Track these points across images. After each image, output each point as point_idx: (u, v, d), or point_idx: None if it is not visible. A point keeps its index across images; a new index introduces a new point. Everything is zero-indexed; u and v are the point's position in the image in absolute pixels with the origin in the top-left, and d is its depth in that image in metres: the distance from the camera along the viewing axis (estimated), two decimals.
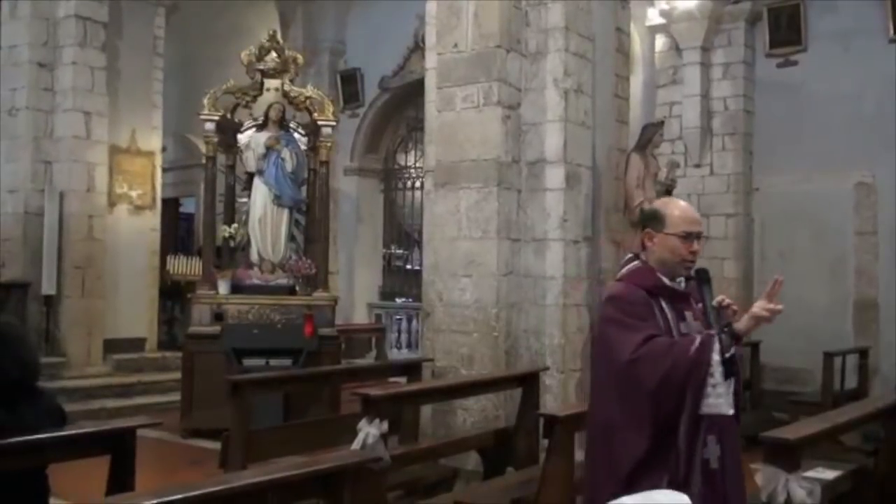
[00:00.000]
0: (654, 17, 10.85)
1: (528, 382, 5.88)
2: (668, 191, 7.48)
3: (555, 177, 6.67)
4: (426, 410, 6.55)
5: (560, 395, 6.50)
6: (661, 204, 3.23)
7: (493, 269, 6.49)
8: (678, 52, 10.65)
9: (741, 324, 2.99)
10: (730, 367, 2.84)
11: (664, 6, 10.62)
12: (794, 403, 8.17)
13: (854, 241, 9.89)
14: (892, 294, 9.36)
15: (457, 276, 6.61)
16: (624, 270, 3.14)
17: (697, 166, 10.46)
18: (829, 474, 4.87)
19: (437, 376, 6.48)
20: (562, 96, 6.71)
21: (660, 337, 2.88)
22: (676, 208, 3.12)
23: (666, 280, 3.04)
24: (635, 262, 3.13)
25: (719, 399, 2.84)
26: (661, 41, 10.88)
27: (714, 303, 2.98)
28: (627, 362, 2.84)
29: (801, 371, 9.43)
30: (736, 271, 10.26)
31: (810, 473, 4.83)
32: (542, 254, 6.65)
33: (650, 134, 7.43)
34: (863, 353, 9.18)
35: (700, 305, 3.01)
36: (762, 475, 3.83)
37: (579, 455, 6.18)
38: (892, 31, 9.78)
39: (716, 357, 2.84)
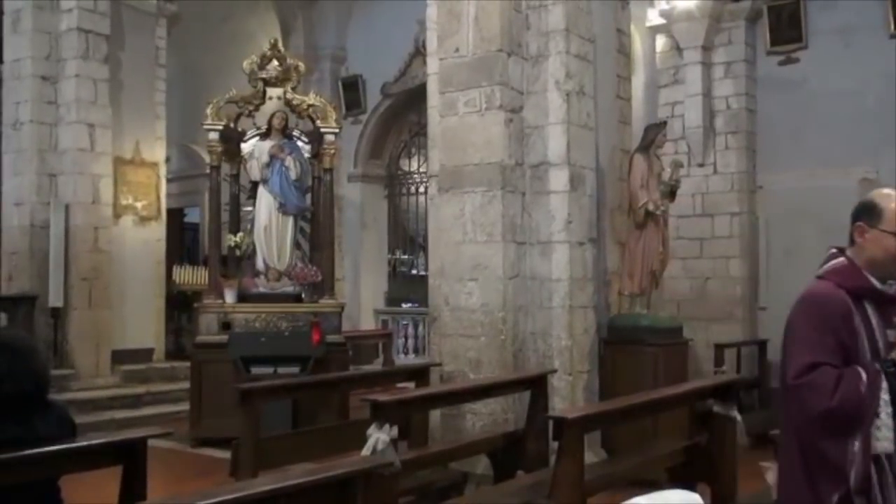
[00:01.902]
0: (654, 17, 10.84)
1: (537, 385, 5.88)
2: (672, 191, 7.46)
3: (559, 179, 6.69)
4: (435, 415, 6.57)
5: (569, 396, 6.51)
6: (879, 196, 2.86)
7: (499, 273, 6.50)
8: (679, 52, 10.65)
9: None
10: None
11: (664, 6, 10.62)
12: None
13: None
14: None
15: (463, 280, 6.62)
16: (826, 267, 2.86)
17: (701, 165, 10.45)
18: None
19: (445, 381, 6.49)
20: (564, 98, 6.73)
21: (827, 365, 2.62)
22: (894, 202, 2.80)
23: (875, 282, 2.76)
24: (840, 259, 2.84)
25: (882, 441, 2.64)
26: (661, 41, 10.88)
27: None
28: (789, 387, 2.68)
29: None
30: (742, 270, 10.24)
31: None
32: (548, 256, 6.67)
33: (653, 134, 7.42)
34: None
35: None
36: (773, 473, 3.82)
37: (589, 457, 6.21)
38: (892, 27, 9.77)
39: (885, 396, 2.62)
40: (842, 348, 2.66)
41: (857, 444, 2.60)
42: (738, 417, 5.54)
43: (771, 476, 3.87)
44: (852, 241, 2.85)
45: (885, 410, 2.61)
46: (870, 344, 2.68)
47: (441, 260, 6.84)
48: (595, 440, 6.64)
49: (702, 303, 10.24)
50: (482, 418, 6.38)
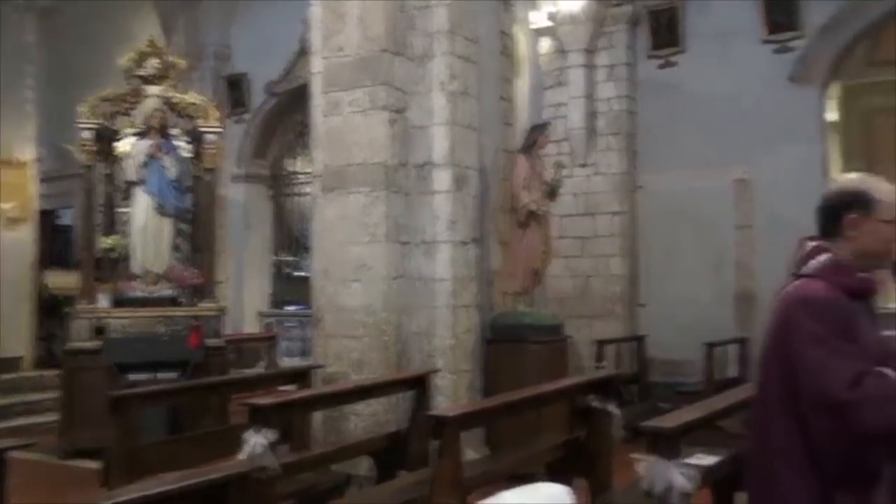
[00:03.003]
0: (539, 20, 11.01)
1: (419, 384, 5.88)
2: (553, 191, 7.59)
3: (443, 179, 6.72)
4: (317, 417, 6.50)
5: (452, 395, 6.54)
6: (865, 184, 2.63)
7: (383, 273, 6.49)
8: (563, 55, 10.84)
9: None
10: None
11: (550, 9, 10.79)
12: (678, 393, 8.43)
13: (734, 235, 10.24)
14: (769, 286, 9.70)
15: (346, 281, 6.58)
16: (815, 265, 2.60)
17: (583, 166, 10.66)
18: (710, 460, 5.03)
19: (327, 382, 6.42)
20: (448, 99, 6.77)
21: (870, 373, 2.41)
22: (886, 189, 2.60)
23: (866, 277, 2.60)
24: (825, 255, 2.60)
25: None
26: (546, 44, 11.05)
27: None
28: (841, 403, 2.37)
29: (686, 362, 9.71)
30: (622, 268, 10.49)
31: (691, 460, 4.98)
32: (432, 256, 6.69)
33: (535, 135, 7.53)
34: (742, 343, 9.54)
35: None
36: (643, 464, 3.92)
37: (471, 454, 6.25)
38: (764, 32, 10.18)
39: None
40: (863, 354, 2.46)
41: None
42: (616, 411, 5.67)
43: (642, 467, 3.98)
44: (827, 235, 2.64)
45: None
46: (870, 342, 2.53)
47: (325, 261, 6.77)
48: (478, 438, 6.69)
49: (584, 300, 10.46)
50: (365, 419, 6.35)
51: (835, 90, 11.33)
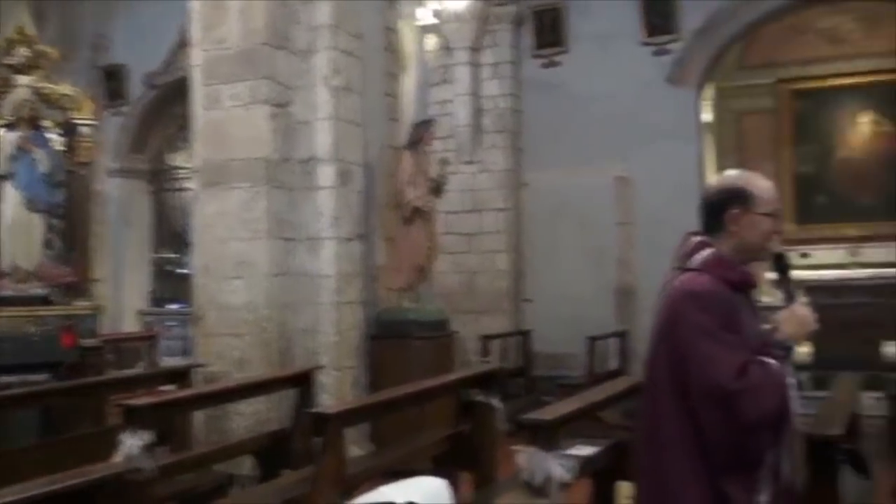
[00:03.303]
0: (424, 16, 11.04)
1: (303, 382, 5.82)
2: (438, 187, 7.64)
3: (326, 175, 6.68)
4: (199, 417, 6.36)
5: (337, 392, 6.52)
6: (743, 180, 2.72)
7: (265, 270, 6.41)
8: (449, 52, 10.91)
9: (788, 329, 2.62)
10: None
11: (435, 6, 10.84)
12: (561, 387, 8.59)
13: (615, 231, 10.52)
14: (648, 281, 10.00)
15: (228, 278, 6.47)
16: (699, 259, 2.66)
17: (469, 163, 10.76)
18: (589, 450, 5.16)
19: (208, 381, 6.30)
20: (332, 94, 6.73)
21: (753, 362, 2.50)
22: (762, 184, 2.69)
23: (747, 270, 2.67)
24: (709, 250, 2.67)
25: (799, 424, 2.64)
26: (432, 41, 11.10)
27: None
28: (728, 392, 2.45)
29: (569, 356, 9.92)
30: (507, 264, 10.65)
31: (572, 451, 5.10)
32: (316, 252, 6.64)
33: (421, 132, 7.56)
34: (622, 337, 9.81)
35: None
36: (523, 455, 3.99)
37: (356, 451, 6.23)
38: (643, 34, 10.49)
39: (791, 380, 2.56)
40: (745, 342, 2.56)
41: (785, 434, 2.56)
42: (499, 405, 5.75)
43: (522, 458, 4.05)
44: (710, 230, 2.70)
45: (793, 395, 2.58)
46: (752, 335, 2.62)
47: (205, 258, 6.64)
48: (363, 434, 6.68)
49: (470, 296, 10.56)
50: (247, 418, 6.26)
51: (709, 92, 11.78)
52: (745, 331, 2.58)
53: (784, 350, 2.57)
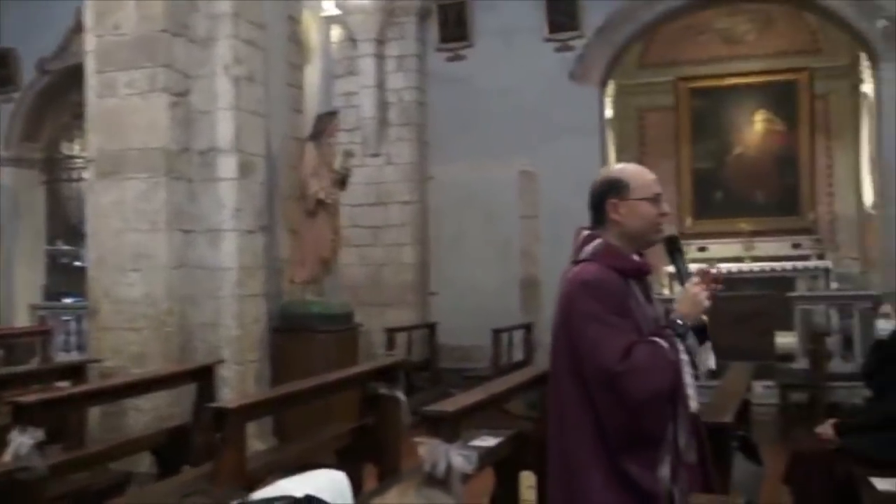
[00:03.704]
0: (329, 7, 10.95)
1: (203, 376, 5.71)
2: (343, 180, 7.58)
3: (227, 166, 6.56)
4: (95, 414, 6.18)
5: (239, 386, 6.41)
6: (616, 171, 2.84)
7: (164, 262, 6.26)
8: (354, 44, 10.84)
9: (682, 309, 2.72)
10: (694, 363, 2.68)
11: None
12: (467, 379, 8.65)
13: (519, 224, 10.64)
14: (552, 273, 10.14)
15: (125, 271, 6.30)
16: (589, 249, 2.75)
17: (375, 156, 10.73)
18: (492, 441, 5.21)
19: (104, 377, 6.12)
20: (233, 84, 6.60)
21: (640, 343, 2.59)
22: (636, 171, 2.81)
23: (634, 258, 2.77)
24: (598, 240, 2.76)
25: (693, 401, 2.72)
26: (336, 32, 11.02)
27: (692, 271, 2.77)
28: (613, 374, 2.54)
29: (475, 348, 10.00)
30: (413, 257, 10.66)
31: (476, 442, 5.14)
32: (217, 245, 6.51)
33: (324, 123, 7.49)
34: (528, 329, 9.94)
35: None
36: (425, 447, 4.00)
37: (259, 445, 6.15)
38: (547, 31, 10.62)
39: (684, 357, 2.66)
40: (635, 327, 2.65)
41: (679, 410, 2.64)
42: (402, 397, 5.76)
43: (424, 450, 4.07)
44: (597, 223, 2.79)
45: (686, 372, 2.67)
46: (644, 319, 2.70)
47: (101, 250, 6.44)
48: (266, 429, 6.59)
49: (376, 289, 10.54)
50: (146, 414, 6.10)
51: (611, 89, 12.02)
52: (636, 315, 2.67)
53: (678, 329, 2.66)
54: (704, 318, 2.74)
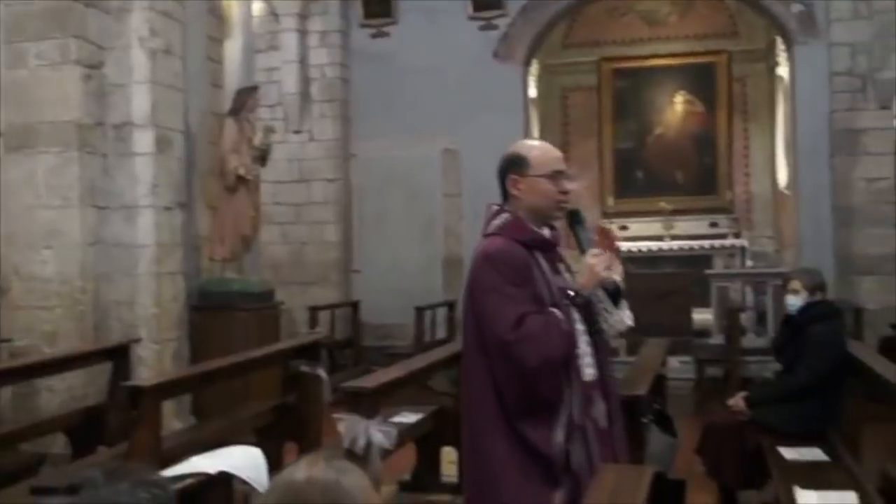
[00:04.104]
0: None
1: (118, 355, 5.60)
2: (263, 156, 7.48)
3: (144, 141, 6.42)
4: (6, 395, 6.02)
5: (156, 365, 6.31)
6: (521, 147, 2.92)
7: (78, 239, 6.11)
8: (276, 18, 10.66)
9: (581, 280, 2.81)
10: (593, 331, 2.79)
11: None
12: (390, 356, 8.65)
13: (442, 203, 10.65)
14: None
15: (36, 248, 6.13)
16: (496, 223, 2.84)
17: (298, 132, 10.59)
18: (413, 417, 5.24)
19: (15, 357, 5.95)
20: (149, 57, 6.45)
21: (533, 313, 2.67)
22: (539, 149, 2.90)
23: (539, 231, 2.84)
24: (505, 215, 2.84)
25: (590, 368, 2.79)
26: (258, 6, 10.79)
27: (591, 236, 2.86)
28: (505, 343, 2.65)
29: (398, 326, 10.01)
30: (337, 235, 10.58)
31: (397, 418, 5.16)
32: (133, 221, 6.38)
33: (244, 98, 7.38)
34: (450, 306, 9.98)
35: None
36: (344, 423, 4.00)
37: (176, 424, 6.07)
38: (471, 9, 10.61)
39: (579, 326, 2.76)
40: (535, 297, 2.73)
41: (572, 378, 2.71)
42: (324, 375, 5.74)
43: (343, 426, 4.06)
44: (506, 197, 2.87)
45: (582, 340, 2.76)
46: (547, 289, 2.77)
47: (10, 226, 6.23)
48: (185, 408, 6.51)
49: (299, 267, 10.44)
50: (60, 394, 5.96)
51: (535, 68, 12.10)
52: (540, 286, 2.75)
53: (575, 300, 2.75)
54: (617, 278, 2.84)
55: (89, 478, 1.11)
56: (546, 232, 2.88)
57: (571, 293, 2.77)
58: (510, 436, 2.71)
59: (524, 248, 2.77)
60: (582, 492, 2.64)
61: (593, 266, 2.77)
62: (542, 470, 2.68)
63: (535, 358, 2.63)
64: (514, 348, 2.64)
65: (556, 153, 2.89)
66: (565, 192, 2.82)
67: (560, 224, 2.94)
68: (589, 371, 2.79)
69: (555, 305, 2.74)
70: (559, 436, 2.68)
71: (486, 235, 2.85)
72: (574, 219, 2.88)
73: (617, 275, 2.86)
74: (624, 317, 2.87)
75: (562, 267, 2.88)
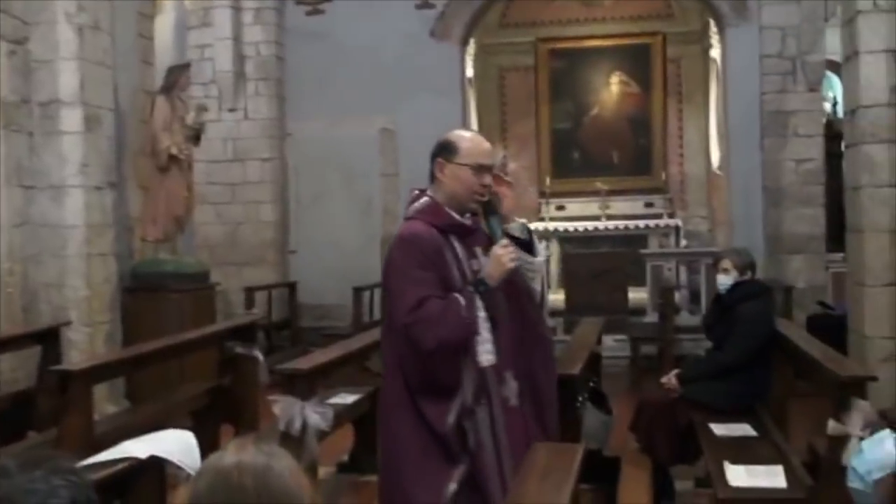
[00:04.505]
0: None
1: (48, 339, 5.48)
2: (196, 135, 7.36)
3: (71, 119, 6.26)
4: None
5: (88, 349, 6.19)
6: (454, 135, 2.99)
7: (4, 220, 5.94)
8: None
9: (489, 269, 2.87)
10: (494, 318, 2.86)
11: None
12: (327, 337, 8.61)
13: (380, 182, 10.60)
14: None
15: None
16: (415, 206, 2.94)
17: (232, 111, 10.41)
18: (351, 398, 5.24)
19: None
20: (76, 32, 6.27)
21: (434, 297, 2.76)
22: (471, 139, 2.97)
23: (457, 216, 2.91)
24: (424, 199, 2.94)
25: (489, 354, 2.86)
26: None
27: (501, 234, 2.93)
28: (404, 325, 2.75)
29: (336, 307, 9.96)
30: (273, 215, 10.46)
31: (335, 399, 5.15)
32: (61, 201, 6.23)
33: (176, 76, 7.24)
34: None
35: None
36: (279, 405, 3.98)
37: (109, 408, 5.97)
38: None
39: (482, 313, 2.83)
40: (442, 281, 2.81)
41: (467, 363, 2.80)
42: (260, 356, 5.70)
43: (278, 408, 4.04)
44: (433, 180, 2.94)
45: (483, 327, 2.84)
46: (460, 274, 2.86)
47: None
48: (118, 391, 6.40)
49: (234, 248, 10.31)
50: None
51: (472, 48, 12.08)
52: (451, 271, 2.85)
53: (479, 288, 2.83)
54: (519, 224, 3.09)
55: (1, 467, 1.08)
56: (460, 217, 2.93)
57: (483, 281, 2.84)
58: (414, 414, 2.81)
59: (440, 233, 2.85)
60: (482, 469, 2.80)
61: (500, 257, 2.83)
62: (442, 449, 2.79)
63: (431, 341, 2.72)
64: (412, 330, 2.74)
65: (486, 148, 2.95)
66: (484, 186, 2.89)
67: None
68: (487, 357, 2.87)
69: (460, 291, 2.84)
70: (452, 417, 2.78)
71: (406, 219, 2.94)
72: (487, 210, 2.94)
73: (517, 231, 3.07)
74: (540, 257, 3.09)
75: (479, 251, 2.95)
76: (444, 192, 2.91)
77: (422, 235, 2.83)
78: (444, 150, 2.91)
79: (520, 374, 2.97)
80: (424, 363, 2.77)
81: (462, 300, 2.78)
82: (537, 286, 3.11)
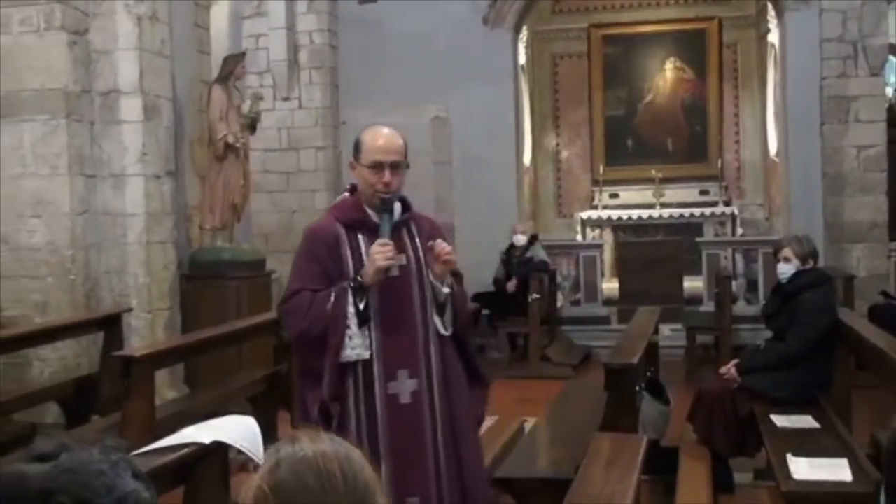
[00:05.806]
0: None
1: (110, 325, 5.59)
2: (252, 124, 7.41)
3: (131, 108, 6.34)
4: None
5: (148, 335, 6.29)
6: (364, 131, 3.04)
7: (66, 208, 6.05)
8: None
9: (368, 271, 2.85)
10: (364, 316, 2.84)
11: None
12: None
13: (432, 170, 10.59)
14: (465, 219, 10.19)
15: (24, 218, 6.08)
16: (336, 200, 3.09)
17: (286, 99, 10.48)
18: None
19: (5, 327, 5.92)
20: (135, 23, 6.35)
21: (307, 290, 2.85)
22: (370, 136, 2.98)
23: (369, 212, 2.93)
24: (345, 194, 3.05)
25: (356, 349, 2.85)
26: None
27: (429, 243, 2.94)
28: (279, 313, 2.98)
29: None
30: (327, 202, 10.47)
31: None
32: (122, 190, 6.33)
33: (232, 65, 7.29)
34: None
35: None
36: None
37: (170, 393, 6.07)
38: None
39: (350, 309, 2.83)
40: (326, 275, 2.87)
41: (327, 357, 2.83)
42: None
43: None
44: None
45: (353, 322, 2.83)
46: (357, 269, 2.85)
47: None
48: (178, 377, 6.50)
49: (290, 236, 10.37)
50: (52, 364, 5.94)
51: (524, 34, 12.00)
52: (348, 265, 2.88)
53: (352, 284, 2.84)
54: (445, 290, 2.97)
55: (61, 443, 1.10)
56: (372, 213, 2.92)
57: (357, 278, 2.84)
58: (302, 389, 3.01)
59: (343, 227, 2.91)
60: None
61: (373, 255, 2.81)
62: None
63: (293, 330, 2.91)
64: (283, 318, 2.96)
65: (380, 143, 2.94)
66: (385, 184, 2.88)
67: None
68: (352, 352, 2.84)
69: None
70: (314, 409, 2.85)
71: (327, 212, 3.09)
72: (384, 207, 2.91)
73: (434, 278, 2.94)
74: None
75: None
76: (359, 189, 2.98)
77: (318, 228, 2.98)
78: (355, 149, 2.98)
79: (425, 373, 2.91)
80: (295, 349, 3.05)
81: (332, 294, 2.82)
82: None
